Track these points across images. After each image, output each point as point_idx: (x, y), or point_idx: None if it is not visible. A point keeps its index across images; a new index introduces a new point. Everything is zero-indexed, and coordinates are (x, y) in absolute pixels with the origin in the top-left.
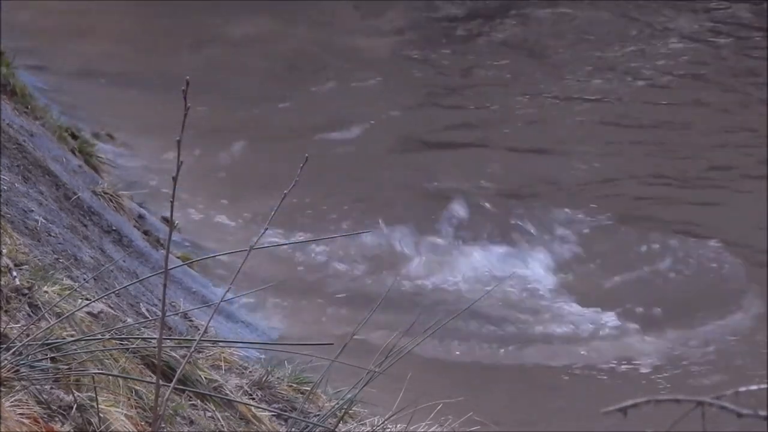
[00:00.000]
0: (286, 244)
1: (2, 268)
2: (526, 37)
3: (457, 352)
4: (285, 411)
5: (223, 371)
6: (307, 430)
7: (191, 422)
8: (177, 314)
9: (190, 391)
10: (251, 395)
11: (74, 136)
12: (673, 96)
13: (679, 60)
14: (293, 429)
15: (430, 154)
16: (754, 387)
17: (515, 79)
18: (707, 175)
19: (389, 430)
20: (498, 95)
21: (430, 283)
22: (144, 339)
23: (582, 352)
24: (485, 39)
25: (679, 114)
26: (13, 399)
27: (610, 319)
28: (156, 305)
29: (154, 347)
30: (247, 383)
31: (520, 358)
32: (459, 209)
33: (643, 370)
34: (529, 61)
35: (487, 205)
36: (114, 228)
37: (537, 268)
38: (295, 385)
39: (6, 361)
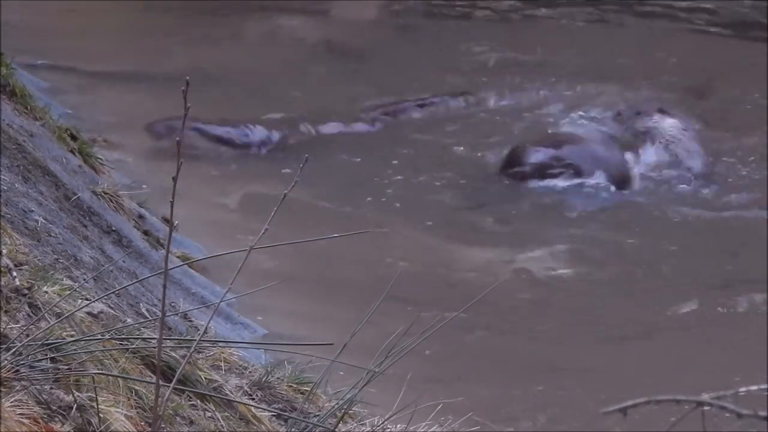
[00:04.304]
0: (286, 243)
1: (2, 268)
2: None
3: None
4: (285, 411)
5: (223, 371)
6: (307, 430)
7: (191, 422)
8: (177, 314)
9: (190, 391)
10: (251, 395)
11: (74, 137)
12: None
13: None
14: (293, 429)
15: None
16: (754, 387)
17: None
18: None
19: (389, 430)
20: None
21: None
22: (144, 339)
23: None
24: None
25: None
26: (13, 399)
27: None
28: (156, 305)
29: (154, 347)
30: (247, 383)
31: None
32: None
33: None
34: None
35: None
36: (114, 228)
37: None
38: (295, 386)
39: (6, 361)
